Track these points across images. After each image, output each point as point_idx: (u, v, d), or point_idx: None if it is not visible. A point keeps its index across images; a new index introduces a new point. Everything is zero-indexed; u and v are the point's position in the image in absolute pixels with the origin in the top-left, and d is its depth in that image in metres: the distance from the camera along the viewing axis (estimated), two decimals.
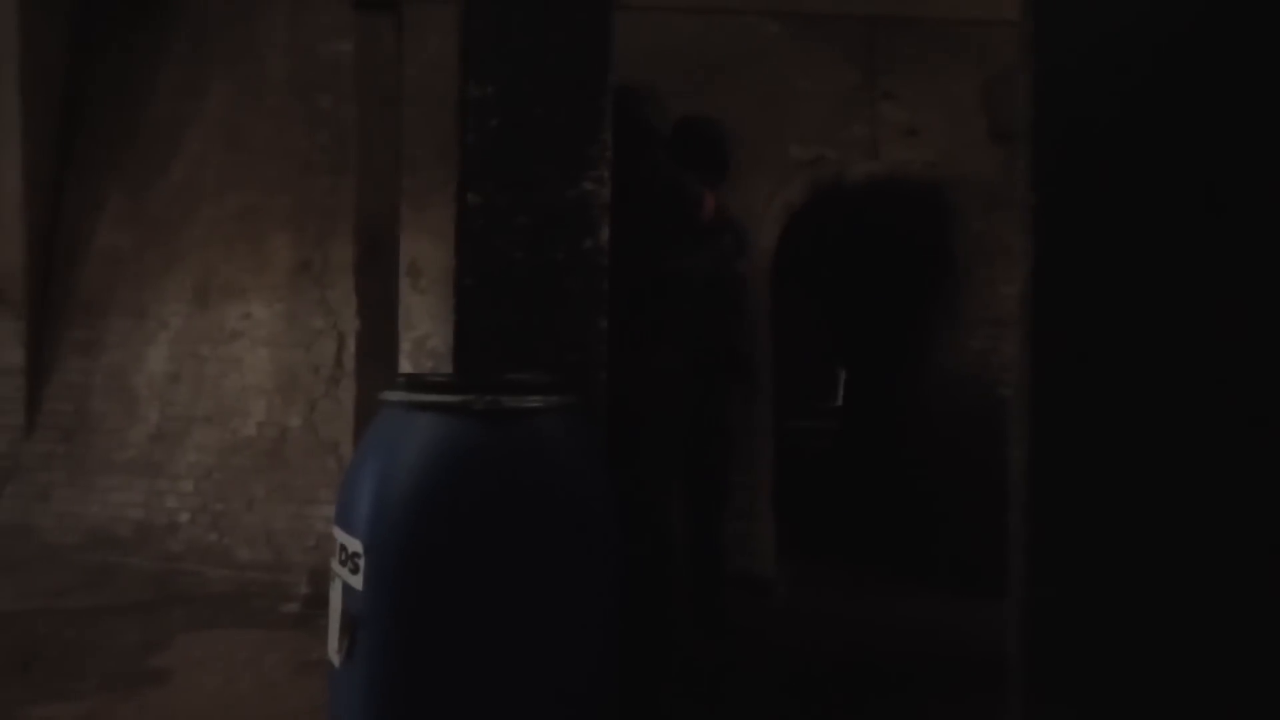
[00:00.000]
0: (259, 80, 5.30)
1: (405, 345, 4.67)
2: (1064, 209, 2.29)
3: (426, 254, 4.68)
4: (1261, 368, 2.19)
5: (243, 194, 5.20)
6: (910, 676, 3.54)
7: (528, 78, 2.51)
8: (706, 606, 3.86)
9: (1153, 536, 2.21)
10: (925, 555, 4.98)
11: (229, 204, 5.23)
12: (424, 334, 4.68)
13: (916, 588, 4.75)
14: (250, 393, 5.00)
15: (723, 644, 3.79)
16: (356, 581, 1.95)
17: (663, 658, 3.19)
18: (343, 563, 2.00)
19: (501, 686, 1.94)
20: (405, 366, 4.64)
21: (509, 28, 2.52)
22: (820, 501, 6.01)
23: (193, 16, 5.51)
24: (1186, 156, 2.24)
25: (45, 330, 5.43)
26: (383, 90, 4.75)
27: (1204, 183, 2.24)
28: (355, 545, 1.96)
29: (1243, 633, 2.18)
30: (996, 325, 4.71)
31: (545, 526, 1.99)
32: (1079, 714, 2.24)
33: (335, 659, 2.01)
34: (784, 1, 4.87)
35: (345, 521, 2.02)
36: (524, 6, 2.53)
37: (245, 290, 5.11)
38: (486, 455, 1.98)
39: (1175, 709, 2.19)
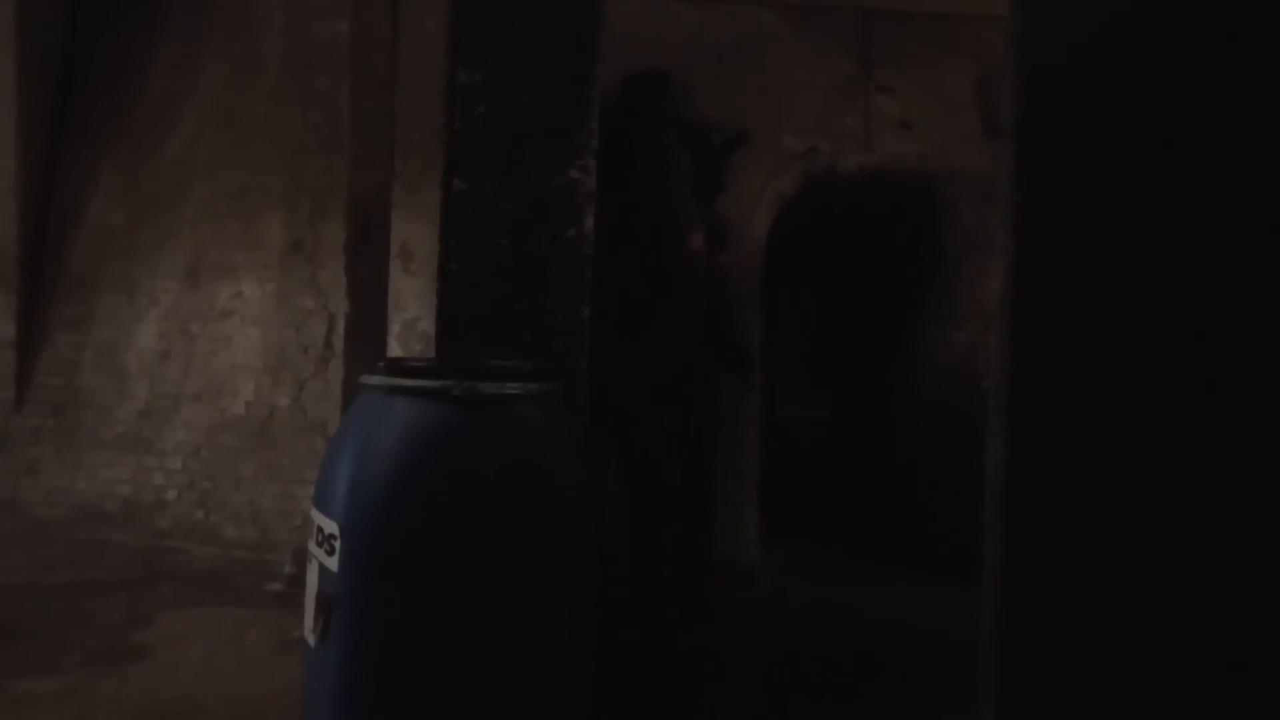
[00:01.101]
0: (254, 59, 5.28)
1: (395, 327, 4.68)
2: (1046, 206, 2.30)
3: (418, 236, 4.68)
4: (1238, 365, 2.21)
5: (236, 173, 5.19)
6: (892, 666, 3.57)
7: (516, 65, 2.52)
8: (690, 594, 3.88)
9: (1128, 530, 2.23)
10: (912, 544, 5.01)
11: (222, 182, 5.22)
12: (414, 316, 4.69)
13: (903, 577, 4.78)
14: (240, 371, 5.00)
15: (704, 631, 3.81)
16: (332, 563, 1.96)
17: (644, 642, 3.21)
18: (319, 544, 2.02)
19: (475, 668, 1.96)
20: (395, 348, 4.65)
21: (498, 14, 2.52)
22: (810, 490, 6.03)
23: None
24: (1170, 154, 2.25)
25: (37, 304, 5.43)
26: (377, 72, 4.75)
27: (1187, 181, 2.25)
28: (331, 527, 1.97)
29: (1215, 625, 2.20)
30: (984, 319, 4.73)
31: (521, 511, 2.00)
32: (1049, 704, 2.26)
33: (311, 639, 2.03)
34: None
35: (322, 503, 2.03)
36: None
37: (236, 269, 5.11)
38: (463, 440, 1.99)
39: (1146, 700, 2.22)
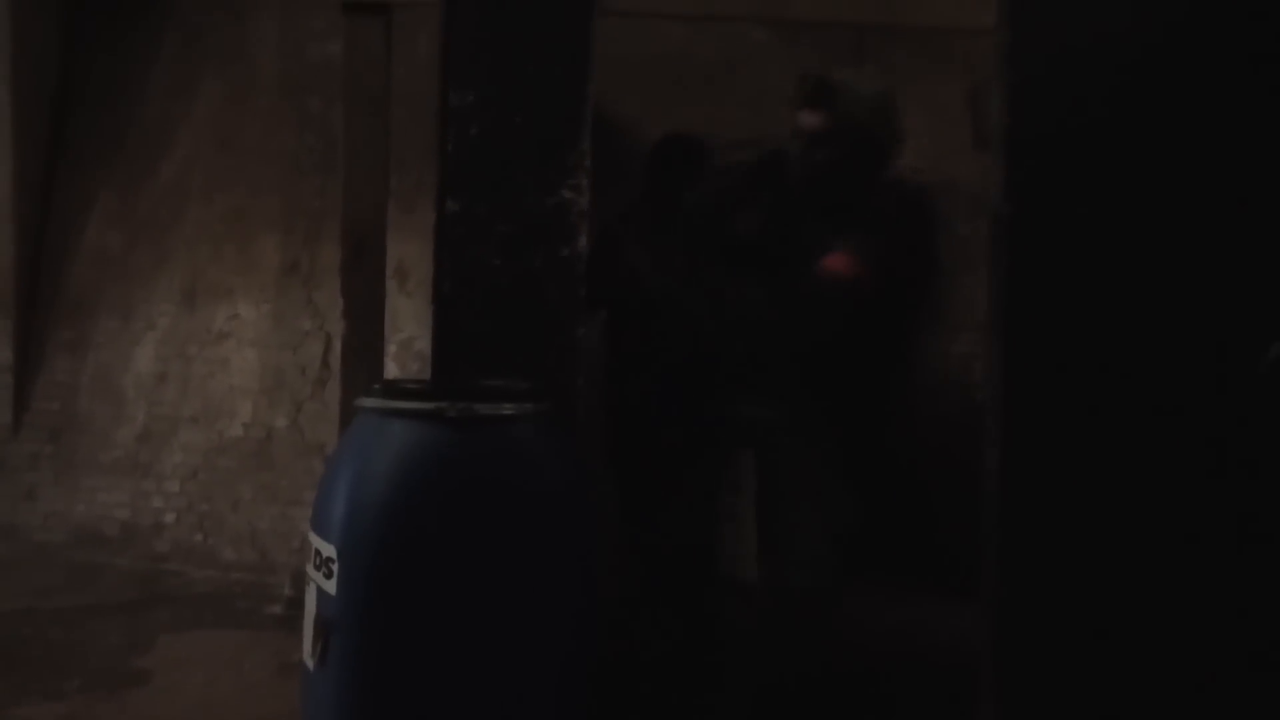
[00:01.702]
0: (249, 81, 5.31)
1: (391, 347, 4.67)
2: (1035, 218, 2.31)
3: (414, 256, 4.68)
4: (1229, 375, 2.22)
5: (231, 195, 5.21)
6: (893, 677, 3.56)
7: (508, 85, 2.53)
8: (688, 611, 3.86)
9: (1125, 541, 2.24)
10: (913, 556, 4.99)
11: (217, 205, 5.23)
12: (410, 336, 4.69)
13: (904, 588, 4.76)
14: (237, 393, 5.01)
15: (701, 649, 3.80)
16: (330, 586, 1.97)
17: (640, 662, 3.21)
18: (317, 567, 2.02)
19: (473, 691, 1.96)
20: (391, 369, 4.65)
21: (489, 35, 2.53)
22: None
23: (184, 17, 5.51)
24: (1159, 166, 2.27)
25: (34, 329, 5.42)
26: (371, 92, 4.76)
27: (1175, 192, 2.26)
28: (329, 550, 1.98)
29: (1212, 633, 2.21)
30: (979, 331, 4.73)
31: (517, 533, 2.01)
32: (1050, 714, 2.27)
33: (309, 663, 2.03)
34: (771, 8, 4.88)
35: (320, 526, 2.04)
36: (504, 14, 2.55)
37: (233, 291, 5.12)
38: (460, 462, 2.00)
39: (1144, 710, 2.22)
